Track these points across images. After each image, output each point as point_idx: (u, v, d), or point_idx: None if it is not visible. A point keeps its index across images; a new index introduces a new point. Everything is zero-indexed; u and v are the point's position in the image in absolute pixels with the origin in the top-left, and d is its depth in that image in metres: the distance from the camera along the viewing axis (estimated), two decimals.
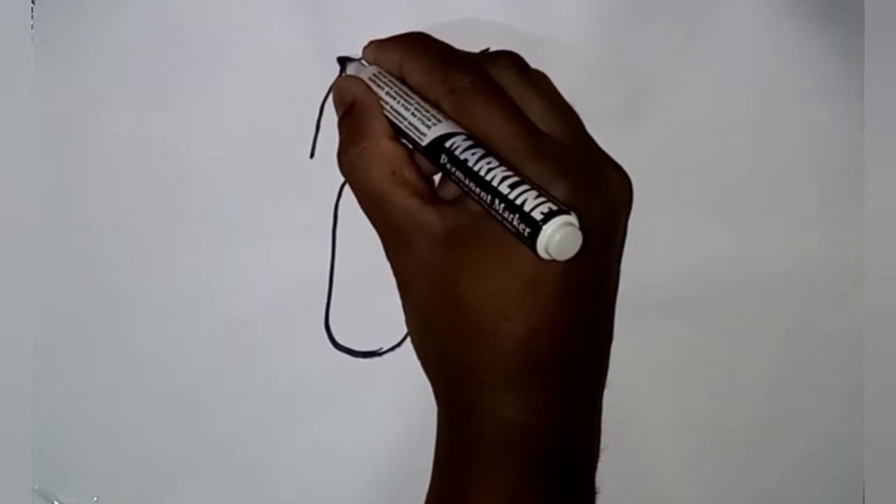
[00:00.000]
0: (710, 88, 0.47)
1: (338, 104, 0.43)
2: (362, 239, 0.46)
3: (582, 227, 0.34)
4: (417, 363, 0.43)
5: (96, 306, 0.47)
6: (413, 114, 0.40)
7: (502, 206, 0.35)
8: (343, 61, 0.45)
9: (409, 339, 0.44)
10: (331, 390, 0.47)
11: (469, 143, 0.38)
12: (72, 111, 0.46)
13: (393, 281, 0.42)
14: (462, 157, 0.37)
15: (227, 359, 0.47)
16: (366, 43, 0.44)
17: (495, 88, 0.40)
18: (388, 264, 0.42)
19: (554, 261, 0.34)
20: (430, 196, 0.40)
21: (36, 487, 0.46)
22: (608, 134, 0.43)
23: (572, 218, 0.34)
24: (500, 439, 0.39)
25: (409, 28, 0.44)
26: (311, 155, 0.46)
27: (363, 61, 0.44)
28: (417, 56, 0.41)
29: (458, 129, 0.38)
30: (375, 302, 0.45)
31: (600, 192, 0.39)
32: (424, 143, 0.39)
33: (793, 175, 0.47)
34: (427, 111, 0.39)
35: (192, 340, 0.47)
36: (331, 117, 0.46)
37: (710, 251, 0.47)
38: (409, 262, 0.40)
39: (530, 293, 0.38)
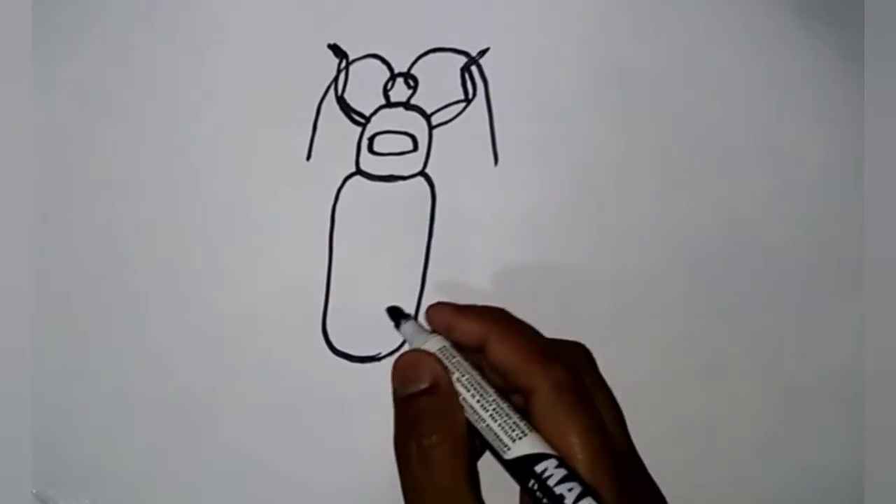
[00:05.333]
0: (709, 88, 0.47)
1: (408, 381, 0.40)
2: (359, 242, 0.46)
3: None
4: None
5: (95, 310, 0.47)
6: (493, 416, 0.37)
7: None
8: (396, 316, 0.41)
9: (407, 344, 0.43)
10: (329, 395, 0.46)
11: (563, 472, 0.35)
12: (71, 111, 0.46)
13: (392, 284, 0.42)
14: (557, 491, 0.35)
15: (224, 363, 0.47)
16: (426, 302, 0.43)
17: (590, 399, 0.38)
18: (387, 266, 0.42)
19: None
20: None
21: (34, 491, 0.46)
22: (610, 135, 0.43)
23: None
24: None
25: (407, 25, 0.44)
26: (308, 157, 0.46)
27: (420, 322, 0.41)
28: (511, 336, 0.39)
29: (547, 450, 0.36)
30: (373, 307, 0.44)
31: None
32: (507, 457, 0.36)
33: (793, 175, 0.47)
34: (509, 417, 0.37)
35: (190, 345, 0.47)
36: (329, 119, 0.46)
37: (709, 251, 0.47)
38: None
39: None
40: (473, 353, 0.39)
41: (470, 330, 0.39)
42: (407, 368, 0.39)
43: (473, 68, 0.46)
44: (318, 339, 0.46)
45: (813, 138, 0.47)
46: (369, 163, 0.46)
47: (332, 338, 0.46)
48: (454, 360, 0.39)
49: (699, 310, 0.46)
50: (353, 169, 0.46)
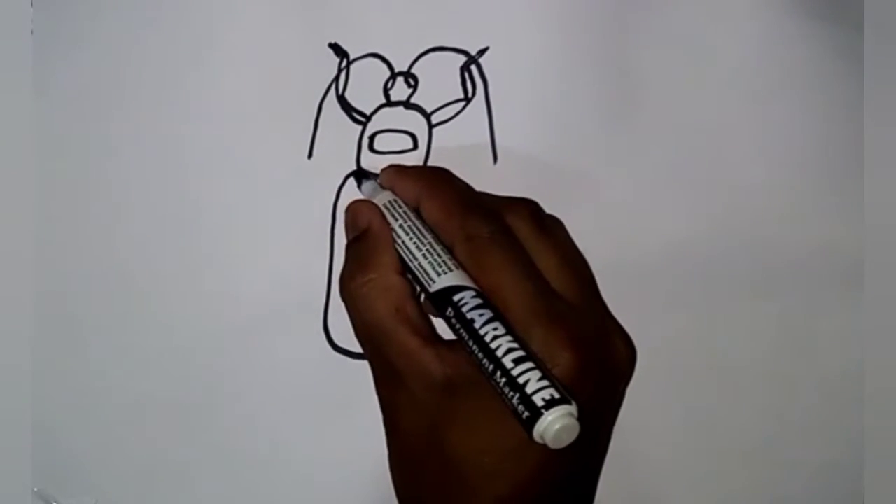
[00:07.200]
0: (709, 88, 0.47)
1: (350, 227, 0.42)
2: None
3: (580, 417, 0.34)
4: None
5: (95, 308, 0.47)
6: (424, 255, 0.39)
7: (503, 380, 0.34)
8: (359, 176, 0.45)
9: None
10: (329, 392, 0.47)
11: (478, 301, 0.37)
12: (71, 111, 0.46)
13: None
14: (469, 315, 0.36)
15: (225, 361, 0.47)
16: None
17: (512, 241, 0.39)
18: None
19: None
20: (431, 336, 0.39)
21: (35, 489, 0.46)
22: (609, 134, 0.43)
23: (573, 408, 0.33)
24: None
25: (408, 25, 0.44)
26: (310, 155, 0.46)
27: (380, 182, 0.44)
28: (438, 194, 0.40)
29: (468, 283, 0.38)
30: None
31: (604, 363, 0.38)
32: (432, 290, 0.38)
33: (792, 175, 0.47)
34: (439, 256, 0.39)
35: (191, 342, 0.47)
36: (330, 118, 0.46)
37: (709, 250, 0.47)
38: (401, 402, 0.39)
39: (519, 455, 0.37)
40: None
41: (407, 188, 0.42)
42: (350, 216, 0.42)
43: (473, 67, 0.46)
44: (319, 336, 0.47)
45: (813, 138, 0.47)
46: (370, 161, 0.47)
47: (333, 335, 0.47)
48: (400, 210, 0.41)
49: (698, 309, 0.46)
50: (354, 167, 0.47)
